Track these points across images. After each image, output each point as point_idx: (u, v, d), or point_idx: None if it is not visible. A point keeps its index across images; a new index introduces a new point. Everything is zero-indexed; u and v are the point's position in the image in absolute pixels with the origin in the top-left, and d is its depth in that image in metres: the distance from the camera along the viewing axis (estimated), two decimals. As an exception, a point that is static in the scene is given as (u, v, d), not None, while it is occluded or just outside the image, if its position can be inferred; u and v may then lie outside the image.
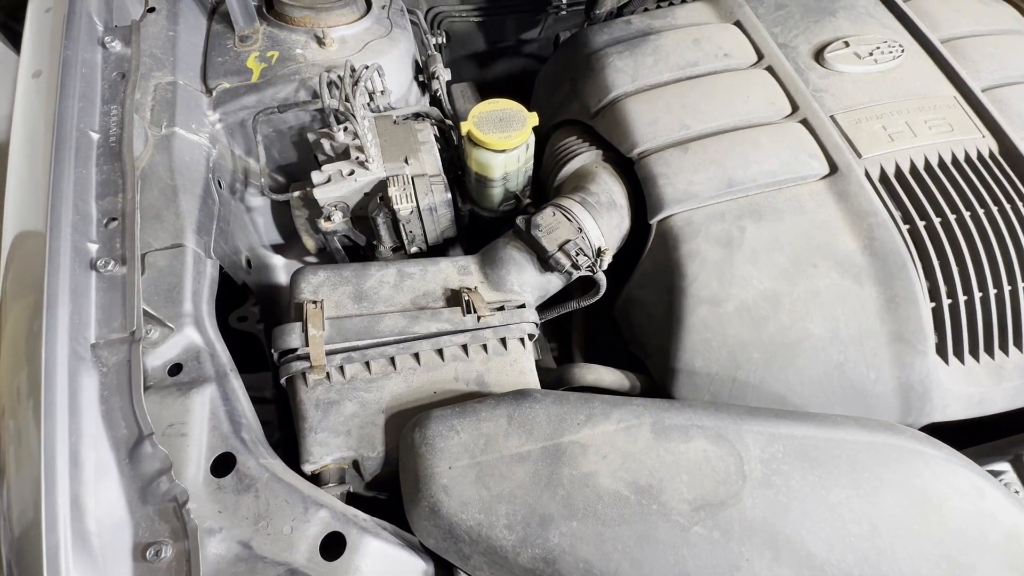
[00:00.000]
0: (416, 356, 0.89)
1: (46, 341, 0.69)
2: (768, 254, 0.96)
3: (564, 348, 1.31)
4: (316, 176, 1.07)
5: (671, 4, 1.46)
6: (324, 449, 0.81)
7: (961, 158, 1.04)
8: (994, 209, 0.97)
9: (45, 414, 0.64)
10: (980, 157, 1.04)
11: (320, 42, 1.20)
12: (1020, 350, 0.95)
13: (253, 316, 1.14)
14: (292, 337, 0.87)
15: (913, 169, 1.03)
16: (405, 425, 0.79)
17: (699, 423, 0.73)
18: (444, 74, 1.31)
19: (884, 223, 0.96)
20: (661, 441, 0.72)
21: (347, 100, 1.05)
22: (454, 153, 1.24)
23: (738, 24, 1.29)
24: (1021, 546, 0.69)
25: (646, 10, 1.44)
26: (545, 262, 1.00)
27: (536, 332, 0.98)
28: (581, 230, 1.00)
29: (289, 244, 1.33)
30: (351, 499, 0.80)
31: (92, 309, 0.77)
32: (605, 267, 1.01)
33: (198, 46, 1.21)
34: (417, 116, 1.19)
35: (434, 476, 0.70)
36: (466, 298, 0.94)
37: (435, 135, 1.18)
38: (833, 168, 1.03)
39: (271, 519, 0.68)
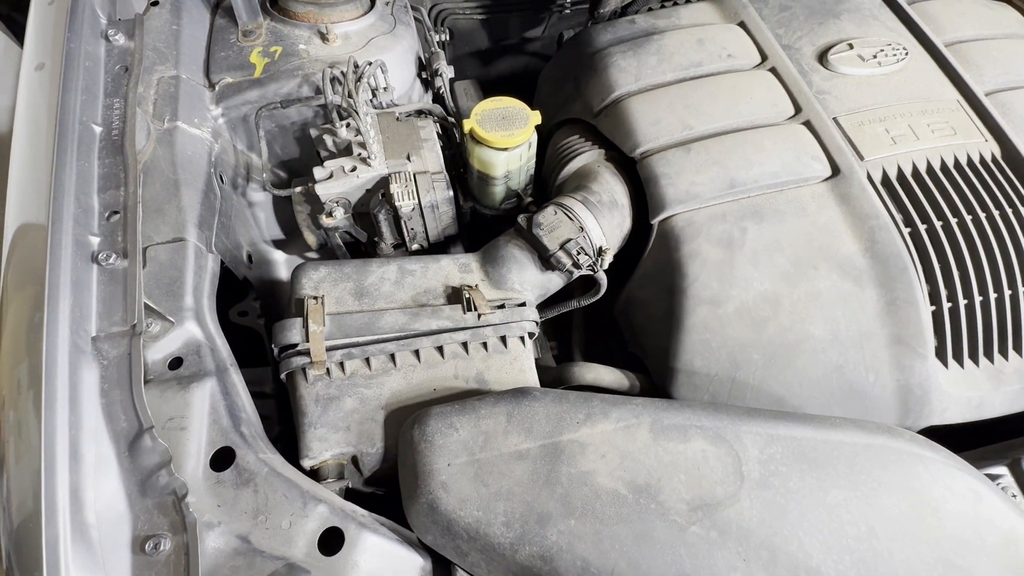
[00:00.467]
0: (416, 353, 0.89)
1: (47, 333, 0.69)
2: (769, 255, 0.96)
3: (564, 347, 1.31)
4: (318, 172, 1.07)
5: (675, 4, 1.46)
6: (323, 445, 0.82)
7: (963, 162, 1.04)
8: (995, 213, 0.97)
9: (45, 406, 0.64)
10: (982, 161, 1.04)
11: (323, 38, 1.20)
12: (1020, 355, 0.95)
13: (254, 311, 1.14)
14: (293, 332, 0.88)
15: (915, 172, 1.03)
16: (404, 422, 0.79)
17: (698, 423, 0.73)
18: (447, 71, 1.31)
19: (885, 226, 0.96)
20: (660, 441, 0.72)
21: (350, 96, 1.05)
22: (456, 151, 1.24)
23: (742, 25, 1.29)
24: (1017, 549, 0.69)
25: (650, 9, 1.43)
26: (546, 261, 1.00)
27: (536, 331, 0.98)
28: (582, 229, 1.01)
29: (290, 240, 1.33)
30: (350, 495, 0.80)
31: (93, 302, 0.78)
32: (606, 266, 1.01)
33: (201, 40, 1.21)
34: (420, 113, 1.19)
35: (433, 473, 0.70)
36: (467, 296, 0.94)
37: (437, 132, 1.18)
38: (835, 170, 1.03)
39: (270, 513, 0.68)
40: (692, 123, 1.11)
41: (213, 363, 0.80)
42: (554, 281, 1.04)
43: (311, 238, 1.16)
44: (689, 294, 0.97)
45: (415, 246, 1.17)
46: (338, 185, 1.06)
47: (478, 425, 0.74)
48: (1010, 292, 0.94)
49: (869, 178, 1.01)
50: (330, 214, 1.06)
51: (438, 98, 1.32)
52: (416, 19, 1.41)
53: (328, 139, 1.10)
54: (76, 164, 0.86)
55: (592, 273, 1.00)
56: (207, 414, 0.75)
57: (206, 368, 0.79)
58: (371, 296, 0.96)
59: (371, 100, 1.18)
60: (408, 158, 1.10)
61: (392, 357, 0.89)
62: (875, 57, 1.17)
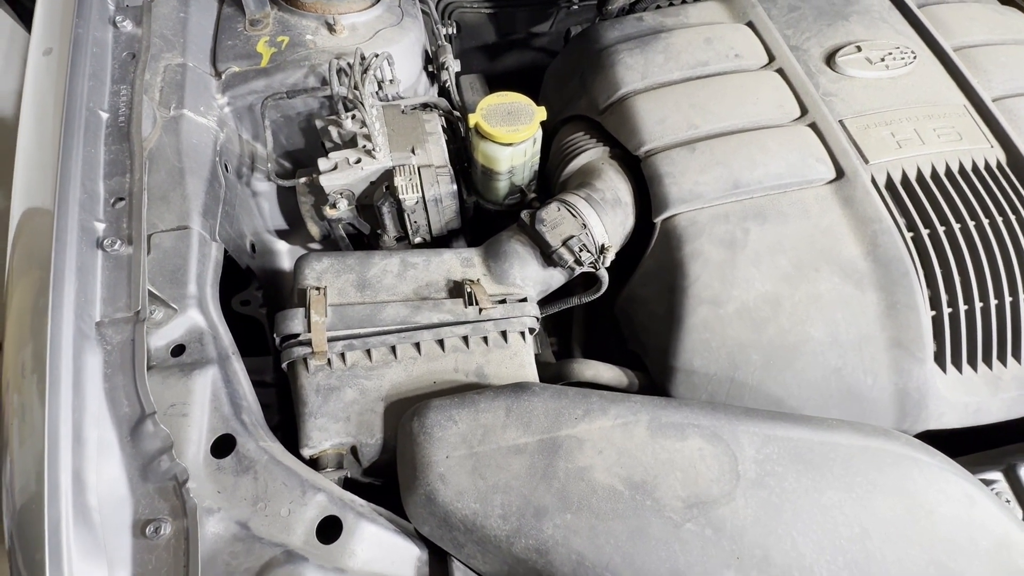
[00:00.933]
0: (417, 346, 0.90)
1: (52, 318, 0.69)
2: (771, 257, 0.96)
3: (564, 343, 1.32)
4: (323, 163, 1.07)
5: (684, 2, 1.45)
6: (323, 434, 0.82)
7: (968, 167, 1.03)
8: (998, 220, 0.97)
9: (49, 390, 0.65)
10: (987, 167, 1.04)
11: (331, 29, 1.20)
12: (1018, 361, 0.96)
13: (256, 300, 1.15)
14: (294, 322, 0.88)
15: (920, 177, 1.03)
16: (404, 413, 0.80)
17: (695, 422, 0.74)
18: (453, 65, 1.30)
19: (888, 230, 0.96)
20: (657, 438, 0.72)
21: (356, 88, 1.05)
22: (461, 145, 1.24)
23: (750, 25, 1.29)
24: (1010, 554, 0.70)
25: (658, 7, 1.43)
26: (548, 257, 1.00)
27: (537, 326, 0.98)
28: (585, 226, 1.01)
29: (294, 230, 1.33)
30: (348, 485, 0.81)
31: (98, 288, 0.78)
32: (608, 264, 1.01)
33: (208, 29, 1.21)
34: (425, 106, 1.19)
35: (431, 465, 0.71)
36: (468, 290, 0.94)
37: (442, 126, 1.18)
38: (840, 173, 1.03)
39: (269, 501, 0.69)
40: (697, 122, 1.11)
41: (215, 351, 0.80)
42: (556, 277, 1.05)
43: (314, 229, 1.16)
44: (690, 293, 0.97)
45: (418, 239, 1.17)
46: (342, 177, 1.07)
47: (477, 418, 0.74)
48: (1011, 299, 0.94)
49: (873, 182, 1.01)
50: (334, 205, 1.07)
51: (444, 92, 1.32)
52: (423, 12, 1.41)
53: (333, 130, 1.11)
54: (82, 150, 0.86)
55: (594, 270, 1.01)
56: (208, 401, 0.75)
57: (208, 356, 0.79)
58: (373, 288, 0.96)
59: (377, 92, 1.18)
60: (413, 151, 1.10)
61: (393, 349, 0.89)
62: (883, 60, 1.16)
